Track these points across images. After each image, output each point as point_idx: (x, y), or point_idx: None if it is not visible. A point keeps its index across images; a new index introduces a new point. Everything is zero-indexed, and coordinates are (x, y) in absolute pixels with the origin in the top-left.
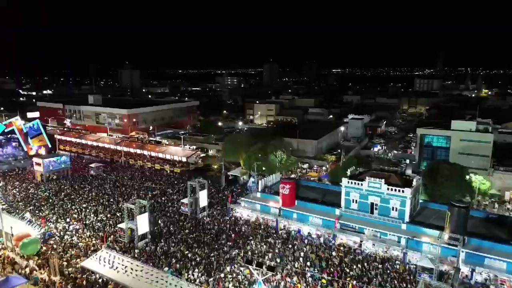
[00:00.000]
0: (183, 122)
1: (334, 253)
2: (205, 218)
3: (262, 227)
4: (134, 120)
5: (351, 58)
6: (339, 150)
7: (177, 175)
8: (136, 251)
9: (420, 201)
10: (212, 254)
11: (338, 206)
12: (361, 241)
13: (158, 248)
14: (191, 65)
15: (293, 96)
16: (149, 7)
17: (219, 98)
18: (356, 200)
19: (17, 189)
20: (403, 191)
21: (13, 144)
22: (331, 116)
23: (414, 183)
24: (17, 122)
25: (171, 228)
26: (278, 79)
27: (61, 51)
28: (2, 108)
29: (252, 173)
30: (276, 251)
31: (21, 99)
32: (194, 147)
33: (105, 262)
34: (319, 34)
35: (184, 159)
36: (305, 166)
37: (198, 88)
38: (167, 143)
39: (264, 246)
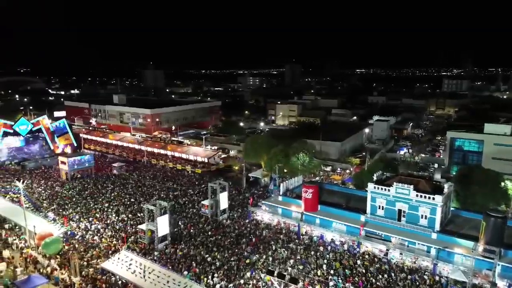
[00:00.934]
0: (205, 122)
1: (359, 262)
2: (225, 221)
3: (284, 231)
4: (157, 119)
5: (375, 58)
6: (363, 153)
7: (198, 175)
8: (155, 253)
9: (451, 208)
10: (232, 259)
11: (363, 212)
12: (387, 250)
13: (178, 250)
14: (214, 65)
15: (316, 97)
16: (174, 7)
17: (241, 98)
18: (382, 207)
19: (42, 187)
20: (433, 198)
21: (40, 142)
22: (355, 117)
23: (445, 189)
24: (44, 121)
25: (191, 230)
26: (300, 79)
27: (89, 51)
28: (31, 107)
29: (274, 175)
30: (298, 257)
31: (49, 98)
32: (216, 147)
33: (124, 264)
34: (342, 33)
35: (205, 160)
36: (328, 168)
37: (220, 88)
38: (188, 143)
39: (286, 252)
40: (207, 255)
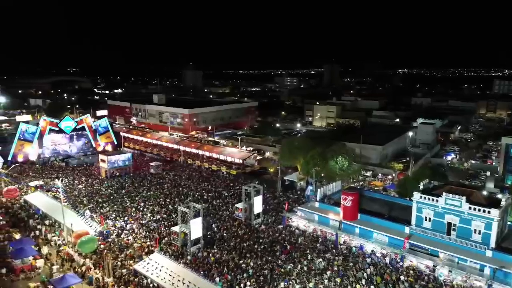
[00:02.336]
0: (242, 123)
1: (402, 277)
2: (259, 226)
3: (320, 240)
4: (195, 119)
5: (419, 57)
6: (407, 159)
7: (232, 177)
8: (188, 257)
9: (508, 223)
10: (265, 267)
11: (408, 223)
12: (434, 266)
13: (210, 255)
14: (252, 66)
15: (356, 97)
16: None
17: (278, 98)
18: (429, 218)
19: (83, 185)
20: (489, 212)
21: (84, 140)
22: (397, 120)
23: (503, 202)
24: (88, 119)
25: (224, 234)
26: (340, 79)
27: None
28: (77, 106)
29: (310, 180)
30: (336, 269)
31: (95, 97)
32: (251, 148)
33: (156, 267)
34: (384, 32)
35: (240, 161)
36: (368, 174)
37: (257, 89)
38: (224, 143)
39: (322, 262)
40: (240, 261)
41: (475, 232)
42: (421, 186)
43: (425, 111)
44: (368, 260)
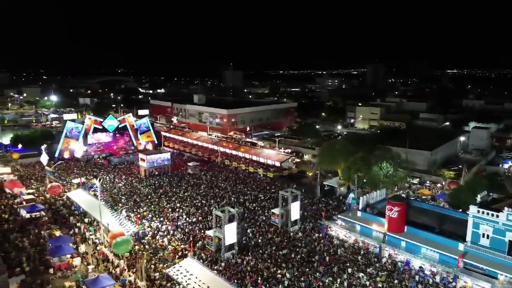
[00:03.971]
0: (280, 124)
1: None
2: (296, 233)
3: (362, 252)
4: (233, 120)
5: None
6: (459, 166)
7: (269, 180)
8: (222, 263)
9: None
10: (302, 278)
11: (463, 239)
12: None
13: (244, 262)
14: (292, 66)
15: (401, 99)
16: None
17: (318, 99)
18: (487, 235)
19: (123, 183)
20: None
21: (126, 138)
22: (447, 123)
23: None
24: (130, 118)
25: (259, 240)
26: (383, 80)
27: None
28: (122, 105)
29: (352, 186)
30: (379, 285)
31: (139, 97)
32: (289, 150)
33: (189, 272)
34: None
35: (277, 164)
36: (415, 181)
37: (297, 89)
38: (262, 145)
39: (364, 277)
40: (275, 269)
41: None
42: (478, 199)
43: (478, 114)
44: (416, 277)
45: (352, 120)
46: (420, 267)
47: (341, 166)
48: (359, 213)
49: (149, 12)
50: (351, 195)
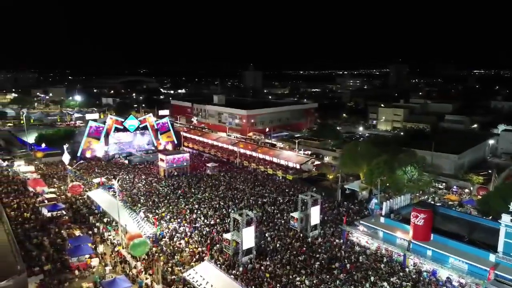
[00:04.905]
0: (300, 125)
1: None
2: (315, 238)
3: (385, 260)
4: (252, 120)
5: (498, 56)
6: (489, 171)
7: (288, 182)
8: (240, 268)
9: None
10: (322, 286)
11: (494, 250)
12: None
13: (262, 267)
14: (313, 66)
15: (425, 100)
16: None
17: (339, 100)
18: None
19: (142, 183)
20: None
21: (146, 138)
22: (474, 125)
23: None
24: (150, 118)
25: (278, 245)
26: (407, 80)
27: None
28: (143, 105)
29: (375, 191)
30: None
31: (160, 97)
32: (309, 152)
33: (205, 277)
34: (456, 29)
35: (297, 166)
36: (441, 186)
37: (317, 89)
38: (281, 146)
39: (388, 287)
40: (293, 276)
41: None
42: (511, 207)
43: (507, 116)
44: None
45: (374, 122)
46: (448, 278)
47: (363, 169)
48: (382, 219)
49: (147, 11)
50: (374, 200)
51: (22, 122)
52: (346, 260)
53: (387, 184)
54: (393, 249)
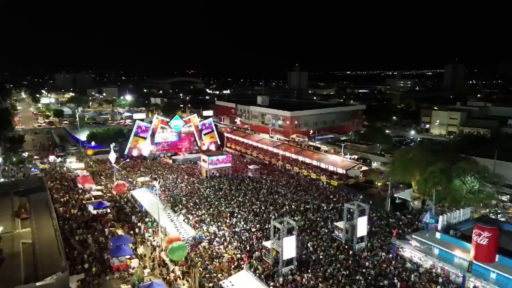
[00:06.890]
0: (346, 127)
1: None
2: (362, 251)
3: (441, 280)
4: (296, 122)
5: None
6: None
7: (333, 188)
8: (280, 279)
9: None
10: None
11: None
12: None
13: (303, 280)
14: (361, 66)
15: (485, 103)
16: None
17: (389, 102)
18: None
19: (185, 183)
20: None
21: (191, 138)
22: None
23: None
24: (194, 119)
25: (321, 256)
26: (463, 81)
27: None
28: (189, 105)
29: (429, 202)
30: None
31: (206, 97)
32: (356, 157)
33: (243, 286)
34: None
35: (342, 171)
36: (505, 198)
37: (365, 90)
38: (326, 149)
39: None
40: None
41: None
42: None
43: None
44: None
45: (426, 126)
46: None
47: (415, 178)
48: (438, 235)
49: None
50: (429, 213)
51: (76, 120)
52: (396, 278)
53: (443, 196)
54: (451, 268)
